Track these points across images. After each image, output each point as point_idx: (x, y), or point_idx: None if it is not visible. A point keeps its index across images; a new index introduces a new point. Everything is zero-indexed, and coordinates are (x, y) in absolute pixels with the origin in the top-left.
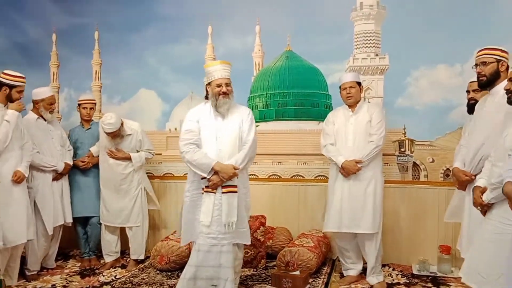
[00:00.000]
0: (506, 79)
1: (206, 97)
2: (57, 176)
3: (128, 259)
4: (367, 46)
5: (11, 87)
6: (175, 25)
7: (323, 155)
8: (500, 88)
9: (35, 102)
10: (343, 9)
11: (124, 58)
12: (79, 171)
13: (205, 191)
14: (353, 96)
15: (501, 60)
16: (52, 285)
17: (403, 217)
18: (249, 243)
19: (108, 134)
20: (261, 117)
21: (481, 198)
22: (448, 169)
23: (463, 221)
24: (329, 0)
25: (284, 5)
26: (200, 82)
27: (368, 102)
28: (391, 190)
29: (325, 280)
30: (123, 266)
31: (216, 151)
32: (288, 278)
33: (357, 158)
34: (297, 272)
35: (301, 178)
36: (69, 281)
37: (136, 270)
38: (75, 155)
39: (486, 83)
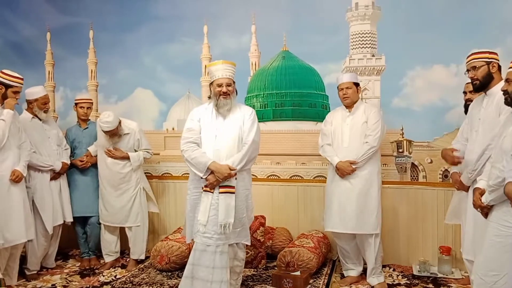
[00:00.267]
0: (503, 80)
1: (209, 97)
2: (55, 175)
3: (128, 259)
4: (363, 47)
5: (7, 86)
6: (171, 24)
7: (321, 155)
8: (497, 89)
9: (29, 102)
10: (339, 9)
11: (120, 57)
12: (78, 170)
13: (204, 190)
14: (349, 96)
15: (491, 61)
16: (52, 285)
17: (402, 218)
18: (249, 243)
19: (106, 132)
20: (258, 117)
21: (480, 200)
22: (446, 169)
23: (465, 223)
24: (325, 0)
25: (280, 5)
26: (197, 81)
27: (365, 102)
28: (390, 191)
29: (325, 280)
30: (123, 266)
31: (214, 150)
32: (289, 278)
33: (352, 159)
34: (298, 273)
35: (300, 178)
36: (69, 281)
37: (136, 270)
38: (72, 155)
39: (480, 86)
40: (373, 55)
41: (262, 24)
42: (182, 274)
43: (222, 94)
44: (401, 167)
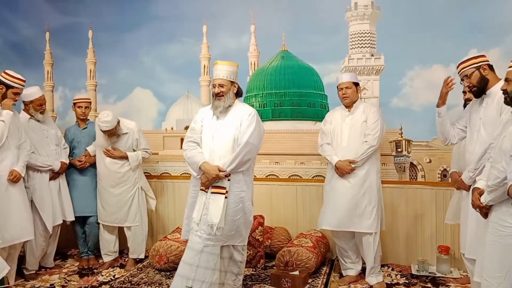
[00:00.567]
0: (502, 79)
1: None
2: (54, 175)
3: (126, 259)
4: (362, 47)
5: (8, 87)
6: (170, 24)
7: (320, 155)
8: (496, 89)
9: (25, 104)
10: (338, 9)
11: (119, 57)
12: (77, 170)
13: (200, 189)
14: (349, 96)
15: (480, 65)
16: (51, 285)
17: (401, 217)
18: (241, 244)
19: (104, 132)
20: None
21: (479, 200)
22: (445, 169)
23: (466, 222)
24: (324, 0)
25: (280, 4)
26: (196, 81)
27: (365, 102)
28: (389, 190)
29: (324, 280)
30: (122, 266)
31: (210, 151)
32: (288, 278)
33: (351, 158)
34: (297, 272)
35: (299, 178)
36: (68, 281)
37: (134, 270)
38: (71, 155)
39: (479, 91)
40: (372, 55)
41: (262, 24)
42: None
43: (216, 95)
44: (400, 167)
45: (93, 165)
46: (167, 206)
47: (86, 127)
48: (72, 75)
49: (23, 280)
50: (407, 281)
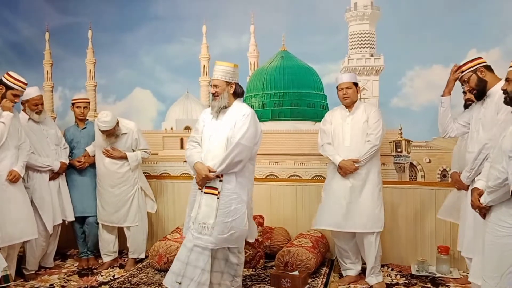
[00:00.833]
0: (502, 79)
1: None
2: (54, 175)
3: (126, 259)
4: (362, 47)
5: (8, 88)
6: (170, 24)
7: (320, 155)
8: (497, 89)
9: (22, 103)
10: (338, 9)
11: (119, 58)
12: (76, 170)
13: (198, 188)
14: (349, 96)
15: (476, 68)
16: (50, 285)
17: (401, 217)
18: (232, 245)
19: (103, 132)
20: (257, 117)
21: (479, 201)
22: (445, 169)
23: (464, 222)
24: (324, 0)
25: (279, 5)
26: (196, 81)
27: (364, 102)
28: (389, 190)
29: (324, 280)
30: (122, 266)
31: (207, 151)
32: (287, 278)
33: (355, 158)
34: (296, 272)
35: (299, 178)
36: (67, 281)
37: (134, 270)
38: (71, 155)
39: (479, 94)
40: (372, 55)
41: (261, 24)
42: None
43: (212, 95)
44: (400, 167)
45: (93, 165)
46: (166, 206)
47: (85, 127)
48: (72, 75)
49: (22, 280)
50: (407, 281)
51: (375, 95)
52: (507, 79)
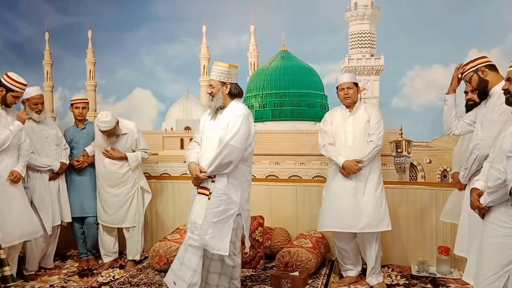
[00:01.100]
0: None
1: None
2: (54, 175)
3: (126, 260)
4: (362, 47)
5: (8, 89)
6: (170, 24)
7: (320, 155)
8: (497, 89)
9: (22, 102)
10: (338, 9)
11: (119, 58)
12: (75, 171)
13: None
14: (350, 96)
15: (477, 68)
16: (50, 285)
17: (401, 218)
18: (216, 252)
19: (103, 132)
20: (257, 117)
21: (479, 201)
22: (445, 169)
23: (460, 221)
24: (324, 0)
25: (279, 5)
26: (196, 82)
27: (364, 102)
28: (389, 190)
29: (324, 281)
30: (122, 267)
31: (203, 151)
32: (288, 278)
33: (358, 158)
34: (296, 273)
35: (299, 178)
36: (67, 281)
37: (134, 271)
38: (71, 155)
39: (481, 94)
40: (372, 55)
41: (261, 24)
42: None
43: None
44: (400, 167)
45: (92, 165)
46: (166, 206)
47: (84, 128)
48: (72, 76)
49: (22, 281)
50: (407, 282)
51: (376, 95)
52: (508, 79)
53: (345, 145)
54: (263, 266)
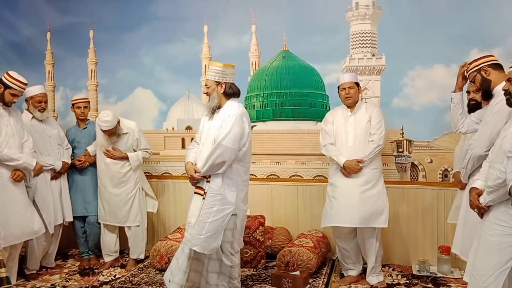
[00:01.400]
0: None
1: None
2: (56, 175)
3: (127, 259)
4: (363, 46)
5: (6, 86)
6: (171, 24)
7: (322, 155)
8: (499, 88)
9: (26, 101)
10: (339, 9)
11: (120, 57)
12: (77, 170)
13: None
14: (352, 96)
15: (480, 67)
16: (52, 285)
17: (402, 217)
18: (206, 252)
19: (104, 132)
20: (258, 117)
21: (478, 201)
22: (446, 169)
23: (459, 220)
24: (325, 0)
25: (280, 4)
26: (197, 81)
27: (365, 102)
28: (390, 190)
29: (325, 280)
30: (123, 266)
31: (199, 151)
32: (288, 278)
33: (359, 158)
34: (297, 272)
35: (300, 178)
36: (69, 280)
37: (135, 270)
38: (72, 155)
39: (484, 93)
40: (373, 55)
41: (262, 24)
42: None
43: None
44: (401, 167)
45: (94, 165)
46: (168, 206)
47: (86, 127)
48: (73, 75)
49: (24, 280)
50: (408, 281)
51: (377, 95)
52: (508, 79)
53: (346, 145)
54: (264, 266)
